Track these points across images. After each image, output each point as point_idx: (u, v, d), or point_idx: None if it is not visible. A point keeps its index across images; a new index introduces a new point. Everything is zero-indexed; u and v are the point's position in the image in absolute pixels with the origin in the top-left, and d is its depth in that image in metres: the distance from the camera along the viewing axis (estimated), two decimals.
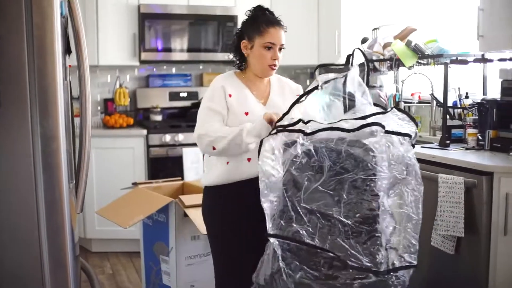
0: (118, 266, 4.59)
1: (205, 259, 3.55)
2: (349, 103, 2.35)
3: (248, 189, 2.44)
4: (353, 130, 2.16)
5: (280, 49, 2.63)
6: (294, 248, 2.06)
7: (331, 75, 2.38)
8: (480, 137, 3.42)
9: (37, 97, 1.68)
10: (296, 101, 2.39)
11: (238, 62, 2.74)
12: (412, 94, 4.35)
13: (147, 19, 5.06)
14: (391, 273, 2.09)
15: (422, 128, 4.28)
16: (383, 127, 2.18)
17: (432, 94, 4.03)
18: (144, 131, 4.88)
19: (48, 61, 1.70)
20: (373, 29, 4.73)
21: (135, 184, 3.93)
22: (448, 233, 3.03)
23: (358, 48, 4.32)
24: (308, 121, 2.25)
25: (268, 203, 2.10)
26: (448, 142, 3.49)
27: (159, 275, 3.62)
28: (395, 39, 4.24)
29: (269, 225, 2.09)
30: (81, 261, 2.69)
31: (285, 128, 2.25)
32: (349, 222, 2.05)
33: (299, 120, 2.27)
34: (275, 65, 2.64)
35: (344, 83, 2.37)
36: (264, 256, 2.17)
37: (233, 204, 2.61)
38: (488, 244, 2.93)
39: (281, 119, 2.34)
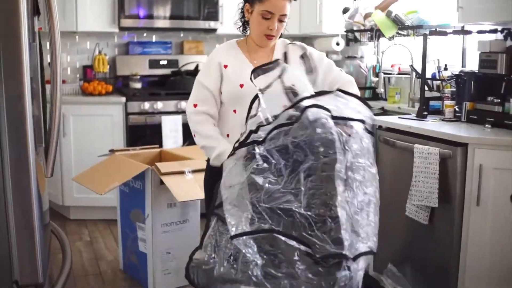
0: (96, 234, 4.58)
1: (181, 226, 3.56)
2: (292, 95, 2.30)
3: None
4: (297, 120, 2.10)
5: (281, 20, 2.53)
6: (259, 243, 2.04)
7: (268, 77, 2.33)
8: (457, 109, 3.43)
9: (1, 56, 1.65)
10: (247, 118, 2.32)
11: (242, 25, 2.69)
12: (392, 66, 4.36)
13: None
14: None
15: (402, 99, 4.28)
16: (325, 109, 2.13)
17: (411, 66, 4.02)
18: (123, 99, 4.83)
19: (12, 20, 1.66)
20: None
21: (112, 151, 3.90)
22: (422, 204, 3.06)
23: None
24: (257, 128, 2.17)
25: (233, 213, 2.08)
26: (426, 113, 3.50)
27: (136, 242, 3.62)
28: (376, 9, 4.22)
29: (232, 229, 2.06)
30: (56, 228, 2.67)
31: (240, 145, 2.19)
32: (310, 214, 2.00)
33: (250, 132, 2.18)
34: (272, 36, 2.56)
35: (281, 80, 2.33)
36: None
37: None
38: (461, 214, 2.96)
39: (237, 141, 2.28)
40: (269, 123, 2.13)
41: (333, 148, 2.04)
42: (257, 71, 2.31)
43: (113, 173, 3.56)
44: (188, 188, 3.33)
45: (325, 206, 1.99)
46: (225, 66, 2.56)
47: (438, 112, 3.63)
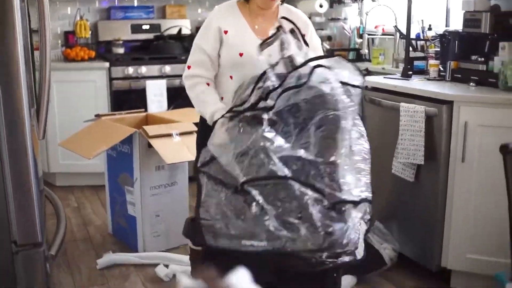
0: (83, 200, 4.59)
1: (170, 189, 3.59)
2: (291, 65, 2.29)
3: None
4: (306, 81, 2.14)
5: None
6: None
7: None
8: (441, 68, 3.46)
9: None
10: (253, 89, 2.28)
11: None
12: (376, 27, 4.37)
13: None
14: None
15: (386, 60, 4.31)
16: (327, 67, 2.18)
17: (395, 26, 4.04)
18: (106, 64, 4.79)
19: None
20: None
21: (98, 116, 3.89)
22: (408, 161, 3.11)
23: None
24: (267, 95, 2.16)
25: None
26: (410, 73, 3.53)
27: (124, 206, 3.64)
28: None
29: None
30: (48, 192, 2.68)
31: (248, 109, 2.17)
32: (322, 160, 2.04)
33: (260, 98, 2.16)
34: None
35: (282, 49, 2.31)
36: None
37: None
38: (447, 171, 3.02)
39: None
40: (276, 88, 2.14)
41: (338, 108, 2.12)
42: (263, 45, 2.29)
43: (100, 137, 3.56)
44: (176, 150, 3.35)
45: (335, 153, 2.04)
46: (225, 32, 2.48)
47: (423, 72, 3.66)
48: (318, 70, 2.13)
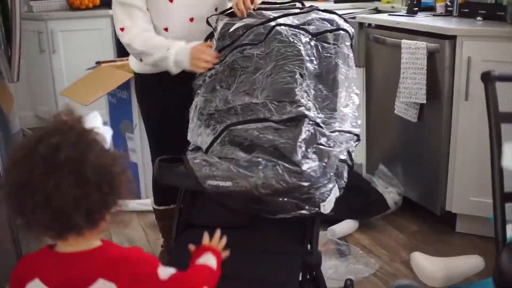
0: None
1: None
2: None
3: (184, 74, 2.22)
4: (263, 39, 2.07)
5: None
6: None
7: None
8: (449, 3, 3.29)
9: None
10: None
11: None
12: None
13: None
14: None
15: None
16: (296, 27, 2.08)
17: None
18: (111, 11, 4.68)
19: None
20: None
21: (98, 63, 3.83)
22: (410, 101, 2.98)
23: None
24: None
25: None
26: (416, 9, 3.35)
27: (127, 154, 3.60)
28: None
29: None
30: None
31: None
32: (270, 99, 1.94)
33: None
34: None
35: None
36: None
37: (166, 91, 2.37)
38: (450, 110, 2.89)
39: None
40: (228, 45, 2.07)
41: (300, 55, 1.98)
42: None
43: (98, 84, 3.51)
44: None
45: (286, 93, 1.91)
46: None
47: (431, 9, 3.48)
48: (279, 28, 2.05)
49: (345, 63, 2.04)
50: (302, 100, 1.88)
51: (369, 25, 3.39)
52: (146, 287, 1.27)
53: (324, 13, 2.18)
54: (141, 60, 2.27)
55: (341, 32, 2.09)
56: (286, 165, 1.72)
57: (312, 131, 1.82)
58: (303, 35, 2.05)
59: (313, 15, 2.14)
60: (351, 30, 2.15)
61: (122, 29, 2.22)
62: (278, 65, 1.99)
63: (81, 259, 1.26)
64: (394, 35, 3.14)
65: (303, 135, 1.80)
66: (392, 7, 3.94)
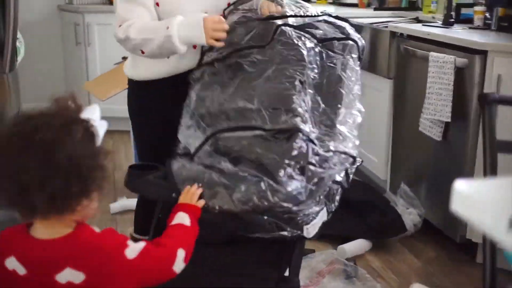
0: (120, 144, 4.55)
1: None
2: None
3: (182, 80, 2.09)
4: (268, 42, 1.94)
5: None
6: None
7: None
8: (488, 16, 3.07)
9: None
10: None
11: None
12: None
13: None
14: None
15: (438, 9, 3.90)
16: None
17: None
18: None
19: None
20: None
21: (124, 58, 3.76)
22: (435, 118, 2.78)
23: None
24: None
25: None
26: (452, 20, 3.14)
27: None
28: None
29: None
30: None
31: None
32: (266, 107, 1.82)
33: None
34: None
35: None
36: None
37: (164, 99, 2.18)
38: (477, 130, 2.67)
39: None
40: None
41: (302, 60, 1.86)
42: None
43: (119, 79, 3.43)
44: None
45: (282, 100, 1.78)
46: None
47: (469, 21, 3.25)
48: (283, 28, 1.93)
49: (349, 76, 1.90)
50: (299, 109, 1.75)
51: (401, 35, 3.20)
52: (115, 271, 1.28)
53: (335, 19, 2.06)
54: (142, 52, 2.01)
55: (350, 42, 1.94)
56: (271, 182, 1.60)
57: (304, 148, 1.69)
58: (309, 39, 1.93)
59: (322, 18, 2.01)
60: (361, 41, 2.00)
61: (120, 23, 2.03)
62: (278, 68, 1.87)
63: (52, 246, 1.27)
64: (425, 47, 2.94)
65: (294, 152, 1.68)
66: (433, 17, 3.73)
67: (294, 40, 1.92)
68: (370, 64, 3.50)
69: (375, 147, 3.51)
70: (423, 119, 2.89)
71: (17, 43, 2.38)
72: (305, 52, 1.89)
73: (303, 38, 1.94)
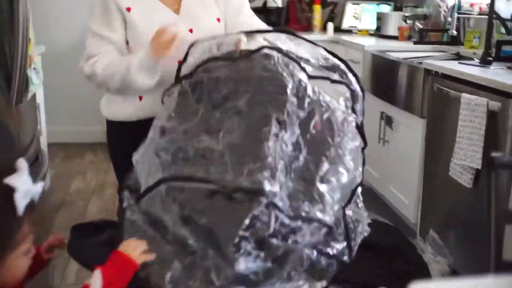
0: None
1: None
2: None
3: None
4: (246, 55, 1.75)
5: None
6: None
7: None
8: None
9: None
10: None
11: None
12: (471, 5, 3.77)
13: None
14: None
15: (481, 44, 3.71)
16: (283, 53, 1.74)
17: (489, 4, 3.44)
18: None
19: None
20: None
21: None
22: (464, 163, 2.61)
23: None
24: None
25: None
26: (490, 59, 2.95)
27: None
28: None
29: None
30: None
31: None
32: (231, 153, 1.60)
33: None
34: None
35: None
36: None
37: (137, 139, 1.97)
38: (510, 179, 2.49)
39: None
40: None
41: (284, 93, 1.62)
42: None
43: None
44: None
45: (251, 146, 1.54)
46: (128, 9, 1.98)
47: (511, 59, 3.07)
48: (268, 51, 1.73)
49: (340, 126, 1.67)
50: (269, 160, 1.50)
51: (436, 73, 3.04)
52: None
53: (332, 57, 1.82)
54: (108, 89, 1.98)
55: (345, 87, 1.75)
56: (219, 259, 1.39)
57: (266, 216, 1.45)
58: (297, 69, 1.70)
59: (319, 50, 1.81)
60: (356, 86, 1.79)
61: (88, 58, 1.99)
62: (253, 100, 1.63)
63: None
64: (458, 87, 2.77)
65: (250, 221, 1.43)
66: (474, 53, 3.54)
67: (279, 68, 1.68)
68: (404, 102, 3.35)
69: (407, 187, 3.34)
70: (453, 164, 2.71)
71: (30, 72, 2.34)
72: (289, 85, 1.64)
73: (291, 66, 1.70)
